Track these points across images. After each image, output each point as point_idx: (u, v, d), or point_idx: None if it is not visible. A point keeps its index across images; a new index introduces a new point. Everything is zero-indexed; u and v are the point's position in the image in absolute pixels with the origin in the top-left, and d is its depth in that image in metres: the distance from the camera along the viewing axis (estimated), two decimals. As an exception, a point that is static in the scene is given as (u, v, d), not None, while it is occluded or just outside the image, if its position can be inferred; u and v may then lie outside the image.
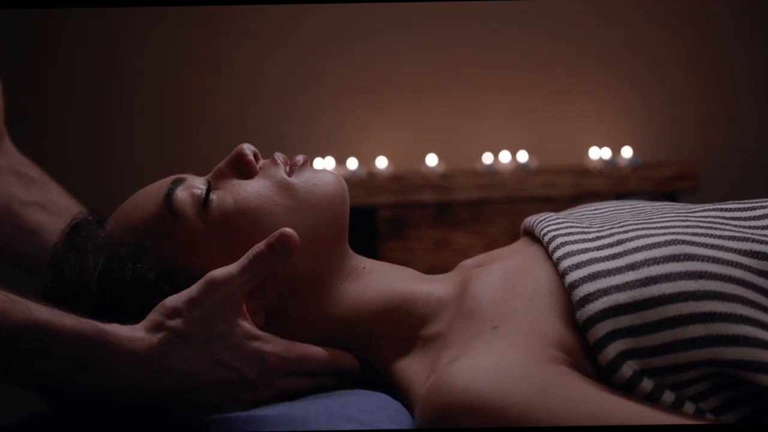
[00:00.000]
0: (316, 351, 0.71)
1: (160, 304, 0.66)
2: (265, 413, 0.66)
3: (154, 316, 0.65)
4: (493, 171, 1.85)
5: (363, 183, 1.79)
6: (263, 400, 0.69)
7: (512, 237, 1.80)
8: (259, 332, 0.69)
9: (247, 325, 0.68)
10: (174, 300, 0.66)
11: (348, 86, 2.03)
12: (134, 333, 0.64)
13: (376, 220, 1.78)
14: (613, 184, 1.80)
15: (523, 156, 1.88)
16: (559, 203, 1.67)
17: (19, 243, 0.99)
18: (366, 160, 1.92)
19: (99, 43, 2.03)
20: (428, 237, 1.78)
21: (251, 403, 0.68)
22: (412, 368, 0.71)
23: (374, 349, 0.74)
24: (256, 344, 0.68)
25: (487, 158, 1.89)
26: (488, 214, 1.80)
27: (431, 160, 1.87)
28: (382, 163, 1.88)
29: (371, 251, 1.75)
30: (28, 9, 1.90)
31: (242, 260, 0.67)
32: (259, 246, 0.68)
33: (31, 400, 0.74)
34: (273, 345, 0.69)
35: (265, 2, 1.97)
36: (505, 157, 1.88)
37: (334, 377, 0.73)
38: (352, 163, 1.88)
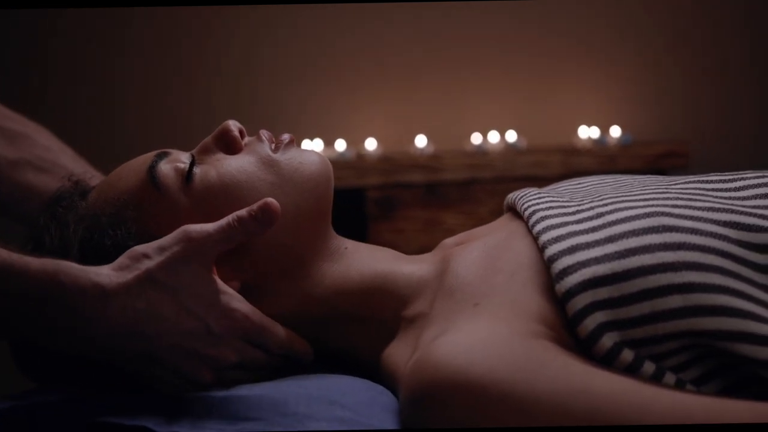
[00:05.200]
0: (276, 326, 0.71)
1: (129, 249, 0.65)
2: (243, 394, 0.65)
3: (121, 259, 0.65)
4: (482, 151, 1.84)
5: (352, 164, 1.79)
6: (224, 362, 0.67)
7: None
8: (229, 289, 0.68)
9: (218, 281, 0.68)
10: (143, 246, 0.66)
11: (337, 68, 2.02)
12: (101, 270, 0.63)
13: (365, 202, 1.78)
14: (602, 163, 1.80)
15: (512, 136, 1.88)
16: (548, 182, 1.64)
17: (16, 203, 0.98)
18: (355, 142, 1.91)
19: (94, 29, 2.01)
20: (417, 218, 1.78)
21: (212, 368, 0.67)
22: (397, 351, 0.70)
23: (357, 334, 0.74)
24: (224, 298, 0.67)
25: (476, 138, 1.88)
26: (477, 194, 1.80)
27: (420, 141, 1.86)
28: (371, 144, 1.87)
29: (360, 233, 1.75)
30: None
31: (221, 221, 0.68)
32: (241, 211, 0.68)
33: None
34: (240, 303, 0.69)
35: (256, 2, 1.95)
36: (494, 137, 1.87)
37: (286, 360, 0.72)
38: (341, 145, 1.87)
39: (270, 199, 0.69)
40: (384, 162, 1.80)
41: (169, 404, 0.65)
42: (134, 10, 2.01)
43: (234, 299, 0.68)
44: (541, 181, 1.74)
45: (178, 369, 0.66)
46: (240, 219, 0.68)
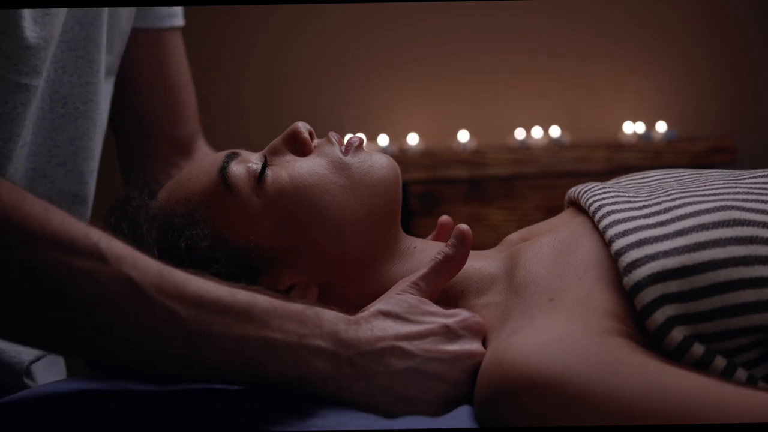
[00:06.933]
0: None
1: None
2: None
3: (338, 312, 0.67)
4: (525, 146, 1.83)
5: (394, 159, 1.78)
6: (479, 355, 0.66)
7: (545, 212, 1.79)
8: None
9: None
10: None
11: (379, 63, 2.02)
12: (331, 310, 0.65)
13: (407, 197, 1.78)
14: (648, 159, 1.78)
15: (555, 131, 1.87)
16: (593, 178, 1.64)
17: None
18: (397, 137, 1.92)
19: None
20: (460, 213, 1.77)
21: (471, 362, 0.65)
22: None
23: None
24: (452, 309, 0.70)
25: (520, 133, 1.87)
26: (521, 190, 1.79)
27: (463, 135, 1.86)
28: (413, 139, 1.87)
29: (404, 228, 1.74)
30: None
31: (431, 264, 0.70)
32: (443, 248, 0.71)
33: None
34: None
35: (297, 2, 1.96)
36: (537, 132, 1.86)
37: None
38: (383, 140, 1.88)
39: (461, 225, 0.72)
40: (426, 157, 1.80)
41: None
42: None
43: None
44: (586, 176, 1.72)
45: (433, 374, 0.65)
46: (446, 254, 0.70)
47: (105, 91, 0.95)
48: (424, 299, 0.68)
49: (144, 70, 1.06)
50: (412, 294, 0.68)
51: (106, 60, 0.93)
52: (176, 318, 0.58)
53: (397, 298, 0.68)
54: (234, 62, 2.03)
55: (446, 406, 0.64)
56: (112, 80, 0.98)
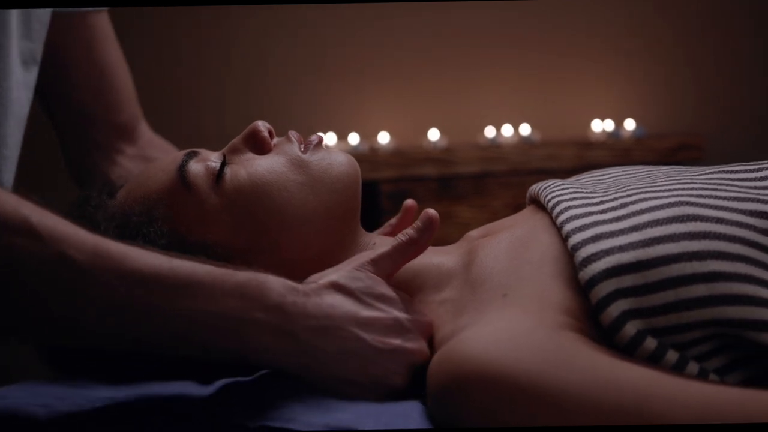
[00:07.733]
0: None
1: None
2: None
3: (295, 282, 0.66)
4: (495, 144, 1.84)
5: (365, 158, 1.78)
6: (419, 354, 0.66)
7: (515, 210, 1.77)
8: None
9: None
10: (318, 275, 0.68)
11: (350, 62, 2.02)
12: (284, 280, 0.64)
13: (378, 195, 1.78)
14: (617, 156, 1.80)
15: (525, 129, 1.87)
16: (562, 175, 1.64)
17: None
18: (368, 135, 1.91)
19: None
20: (431, 211, 1.78)
21: (411, 359, 0.66)
22: None
23: None
24: (405, 302, 0.69)
25: (490, 132, 1.88)
26: (491, 188, 1.80)
27: (433, 134, 1.86)
28: (384, 138, 1.87)
29: (374, 226, 1.74)
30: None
31: (394, 243, 0.70)
32: (408, 230, 0.70)
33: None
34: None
35: (270, 2, 1.95)
36: (507, 130, 1.87)
37: None
38: (354, 139, 1.87)
39: (429, 210, 0.71)
40: (397, 155, 1.80)
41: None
42: (144, 8, 2.01)
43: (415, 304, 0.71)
44: (555, 174, 1.73)
45: (374, 362, 0.65)
46: (410, 236, 0.70)
47: (23, 78, 0.92)
48: (379, 279, 0.68)
49: (73, 55, 1.04)
50: (369, 271, 0.68)
51: (21, 45, 0.91)
52: (114, 294, 0.57)
53: (354, 272, 0.67)
54: (212, 62, 2.02)
55: (378, 393, 0.64)
56: (34, 69, 0.95)
